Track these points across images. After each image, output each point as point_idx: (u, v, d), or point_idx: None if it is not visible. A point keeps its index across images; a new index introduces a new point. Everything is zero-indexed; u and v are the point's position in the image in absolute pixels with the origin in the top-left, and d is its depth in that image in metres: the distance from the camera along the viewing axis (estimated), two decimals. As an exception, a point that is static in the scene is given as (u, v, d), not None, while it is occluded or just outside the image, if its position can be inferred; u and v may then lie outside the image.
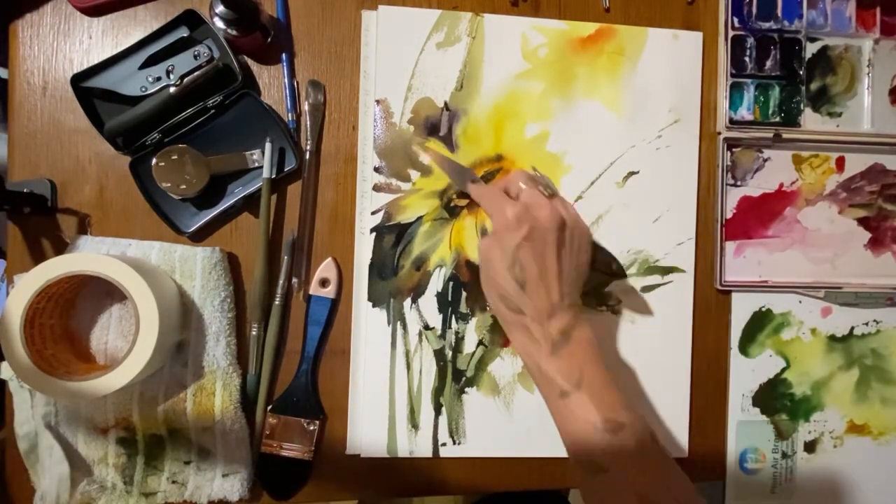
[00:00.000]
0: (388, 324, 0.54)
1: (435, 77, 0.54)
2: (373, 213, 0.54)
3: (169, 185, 0.50)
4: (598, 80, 0.56)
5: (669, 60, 0.56)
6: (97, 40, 0.52)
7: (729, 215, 0.57)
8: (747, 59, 0.57)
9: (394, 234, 0.54)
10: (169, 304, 0.47)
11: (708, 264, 0.57)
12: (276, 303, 0.52)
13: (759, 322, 0.58)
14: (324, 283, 0.53)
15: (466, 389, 0.54)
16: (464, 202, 0.55)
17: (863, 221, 0.59)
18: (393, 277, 0.54)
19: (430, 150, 0.54)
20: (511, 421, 0.55)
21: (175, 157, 0.50)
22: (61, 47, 0.52)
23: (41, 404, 0.50)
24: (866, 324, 0.59)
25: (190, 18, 0.51)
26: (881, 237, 0.59)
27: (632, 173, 0.56)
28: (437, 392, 0.54)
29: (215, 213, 0.52)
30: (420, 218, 0.54)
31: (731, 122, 0.57)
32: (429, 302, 0.54)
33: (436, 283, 0.54)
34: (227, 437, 0.51)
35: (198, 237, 0.53)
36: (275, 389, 0.53)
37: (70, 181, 0.52)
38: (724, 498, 0.57)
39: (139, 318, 0.45)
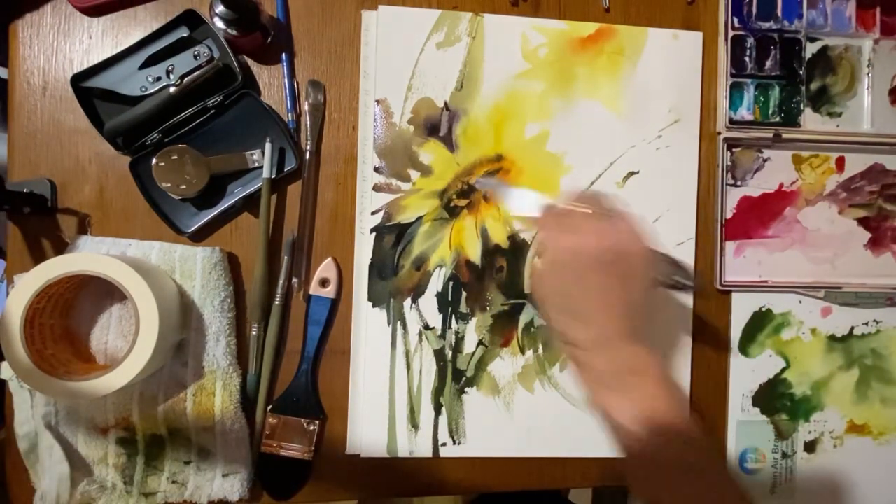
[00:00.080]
0: (388, 324, 0.54)
1: (435, 77, 0.54)
2: (373, 213, 0.54)
3: (169, 185, 0.50)
4: (598, 80, 0.56)
5: (669, 60, 0.56)
6: (97, 40, 0.52)
7: (729, 215, 0.57)
8: (747, 59, 0.57)
9: (394, 234, 0.54)
10: (169, 304, 0.47)
11: (708, 264, 0.57)
12: (276, 303, 0.52)
13: (759, 322, 0.58)
14: (324, 283, 0.53)
15: (466, 389, 0.54)
16: (464, 202, 0.55)
17: (863, 221, 0.59)
18: (393, 277, 0.54)
19: (489, 182, 0.53)
20: (511, 421, 0.55)
21: (175, 157, 0.50)
22: (61, 47, 0.52)
23: (41, 404, 0.50)
24: (866, 324, 0.59)
25: (190, 18, 0.51)
26: (881, 237, 0.59)
27: (632, 173, 0.56)
28: (437, 392, 0.54)
29: (215, 213, 0.52)
30: (420, 218, 0.54)
31: (731, 122, 0.57)
32: (429, 302, 0.54)
33: (436, 283, 0.54)
34: (227, 437, 0.51)
35: (198, 237, 0.53)
36: (275, 389, 0.53)
37: (70, 181, 0.52)
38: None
39: (139, 318, 0.45)
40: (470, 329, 0.55)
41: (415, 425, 0.54)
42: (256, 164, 0.52)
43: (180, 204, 0.52)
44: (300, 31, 0.54)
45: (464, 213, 0.55)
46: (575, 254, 0.40)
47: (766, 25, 0.57)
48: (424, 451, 0.54)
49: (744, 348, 0.57)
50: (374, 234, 0.54)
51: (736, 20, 0.56)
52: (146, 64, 0.51)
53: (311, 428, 0.53)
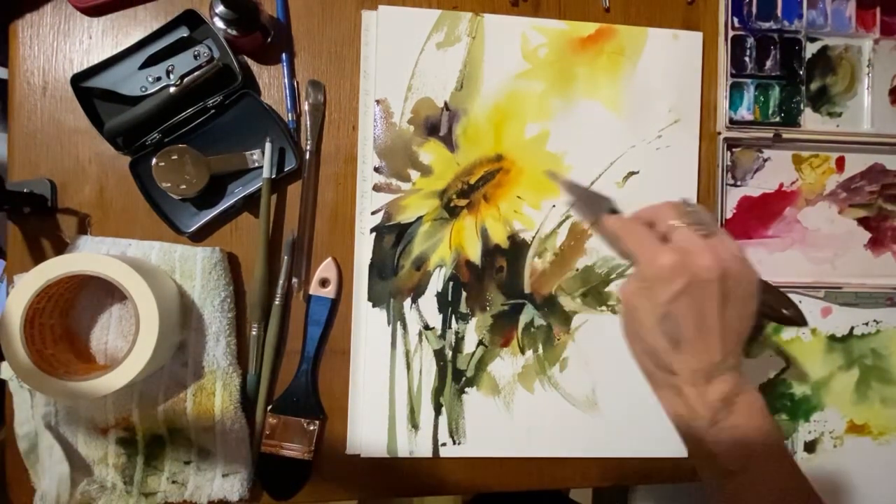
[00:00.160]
0: (388, 324, 0.54)
1: (435, 77, 0.54)
2: (373, 213, 0.54)
3: (169, 185, 0.50)
4: (598, 80, 0.56)
5: (669, 60, 0.56)
6: (97, 40, 0.52)
7: (729, 215, 0.57)
8: (747, 59, 0.57)
9: (394, 234, 0.54)
10: (169, 304, 0.47)
11: (708, 264, 0.57)
12: (276, 303, 0.52)
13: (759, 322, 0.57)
14: (324, 283, 0.53)
15: (466, 389, 0.54)
16: (464, 202, 0.55)
17: (863, 221, 0.59)
18: (393, 277, 0.54)
19: (559, 176, 0.51)
20: (511, 421, 0.55)
21: (175, 157, 0.50)
22: (61, 47, 0.52)
23: (41, 404, 0.50)
24: (866, 324, 0.59)
25: (190, 18, 0.51)
26: (881, 237, 0.59)
27: (632, 173, 0.56)
28: (437, 392, 0.54)
29: (215, 213, 0.52)
30: (420, 218, 0.54)
31: (731, 122, 0.57)
32: (429, 302, 0.54)
33: (436, 283, 0.54)
34: (227, 437, 0.51)
35: (198, 237, 0.53)
36: (275, 389, 0.53)
37: (70, 181, 0.52)
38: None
39: (139, 318, 0.45)
40: (470, 329, 0.55)
41: (415, 425, 0.54)
42: (256, 164, 0.52)
43: (180, 204, 0.52)
44: (300, 31, 0.54)
45: (464, 213, 0.55)
46: (688, 275, 0.36)
47: (766, 25, 0.57)
48: (424, 451, 0.54)
49: (744, 348, 0.57)
50: (374, 234, 0.54)
51: (736, 20, 0.57)
52: (146, 64, 0.51)
53: (311, 428, 0.53)
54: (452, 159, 0.54)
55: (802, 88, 0.57)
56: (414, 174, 0.54)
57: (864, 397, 0.58)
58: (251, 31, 0.50)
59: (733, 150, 0.58)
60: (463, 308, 0.55)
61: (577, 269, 0.55)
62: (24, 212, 0.50)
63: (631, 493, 0.84)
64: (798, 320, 0.45)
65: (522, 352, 0.55)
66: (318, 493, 0.54)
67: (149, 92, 0.51)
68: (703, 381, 0.37)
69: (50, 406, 0.50)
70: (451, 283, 0.54)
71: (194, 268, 0.50)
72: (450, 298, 0.54)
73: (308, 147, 0.53)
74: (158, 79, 0.51)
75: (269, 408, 0.53)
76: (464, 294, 0.55)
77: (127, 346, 0.45)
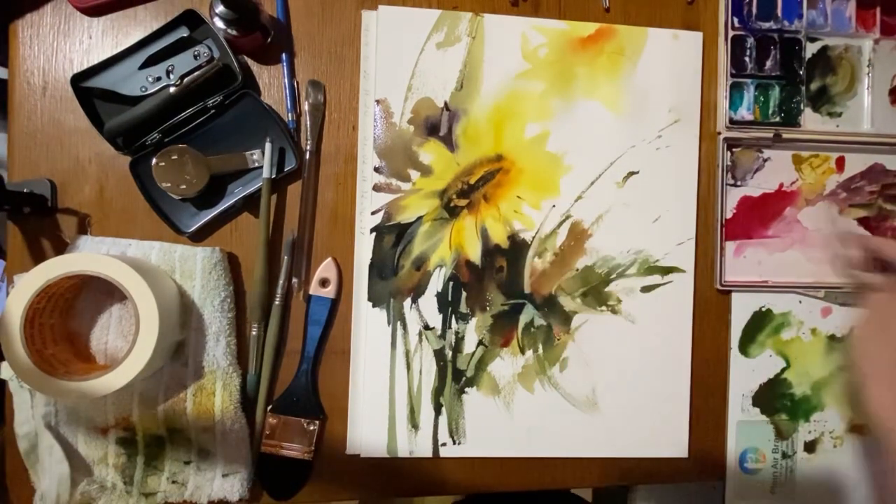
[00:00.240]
0: (388, 324, 0.54)
1: (435, 77, 0.54)
2: (373, 213, 0.54)
3: (169, 185, 0.50)
4: (598, 80, 0.56)
5: (669, 60, 0.56)
6: (97, 40, 0.52)
7: (729, 215, 0.57)
8: (747, 59, 0.57)
9: (394, 234, 0.54)
10: (169, 304, 0.47)
11: (708, 264, 0.57)
12: (276, 303, 0.52)
13: (759, 322, 0.58)
14: (324, 283, 0.53)
15: (466, 389, 0.54)
16: (464, 202, 0.55)
17: (863, 221, 0.59)
18: (393, 277, 0.54)
19: (851, 238, 0.48)
20: (511, 421, 0.55)
21: (175, 157, 0.50)
22: (61, 47, 0.52)
23: (41, 404, 0.50)
24: (866, 324, 0.59)
25: (190, 18, 0.51)
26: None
27: (632, 173, 0.56)
28: (437, 392, 0.54)
29: (215, 213, 0.52)
30: (420, 218, 0.54)
31: (731, 122, 0.57)
32: (429, 302, 0.54)
33: (436, 283, 0.54)
34: (227, 437, 0.51)
35: (198, 237, 0.53)
36: (275, 389, 0.53)
37: (70, 181, 0.52)
38: (724, 498, 0.57)
39: (139, 318, 0.45)
40: (470, 329, 0.55)
41: (415, 425, 0.54)
42: (256, 164, 0.52)
43: (180, 204, 0.52)
44: (300, 31, 0.54)
45: (464, 213, 0.55)
46: None
47: (766, 25, 0.57)
48: (424, 451, 0.54)
49: (744, 348, 0.57)
50: (374, 234, 0.54)
51: (736, 20, 0.56)
52: (146, 64, 0.51)
53: (311, 428, 0.53)
54: (452, 159, 0.54)
55: (802, 88, 0.57)
56: (414, 174, 0.54)
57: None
58: (251, 31, 0.50)
59: (733, 150, 0.58)
60: (463, 308, 0.55)
61: (577, 269, 0.55)
62: (24, 212, 0.50)
63: (631, 493, 0.85)
64: None
65: (522, 352, 0.55)
66: (318, 493, 0.54)
67: (149, 92, 0.51)
68: None
69: (50, 406, 0.50)
70: (451, 283, 0.54)
71: (194, 268, 0.50)
72: (450, 298, 0.54)
73: (308, 147, 0.53)
74: (158, 79, 0.51)
75: (269, 408, 0.53)
76: (464, 294, 0.55)
77: (127, 346, 0.45)
